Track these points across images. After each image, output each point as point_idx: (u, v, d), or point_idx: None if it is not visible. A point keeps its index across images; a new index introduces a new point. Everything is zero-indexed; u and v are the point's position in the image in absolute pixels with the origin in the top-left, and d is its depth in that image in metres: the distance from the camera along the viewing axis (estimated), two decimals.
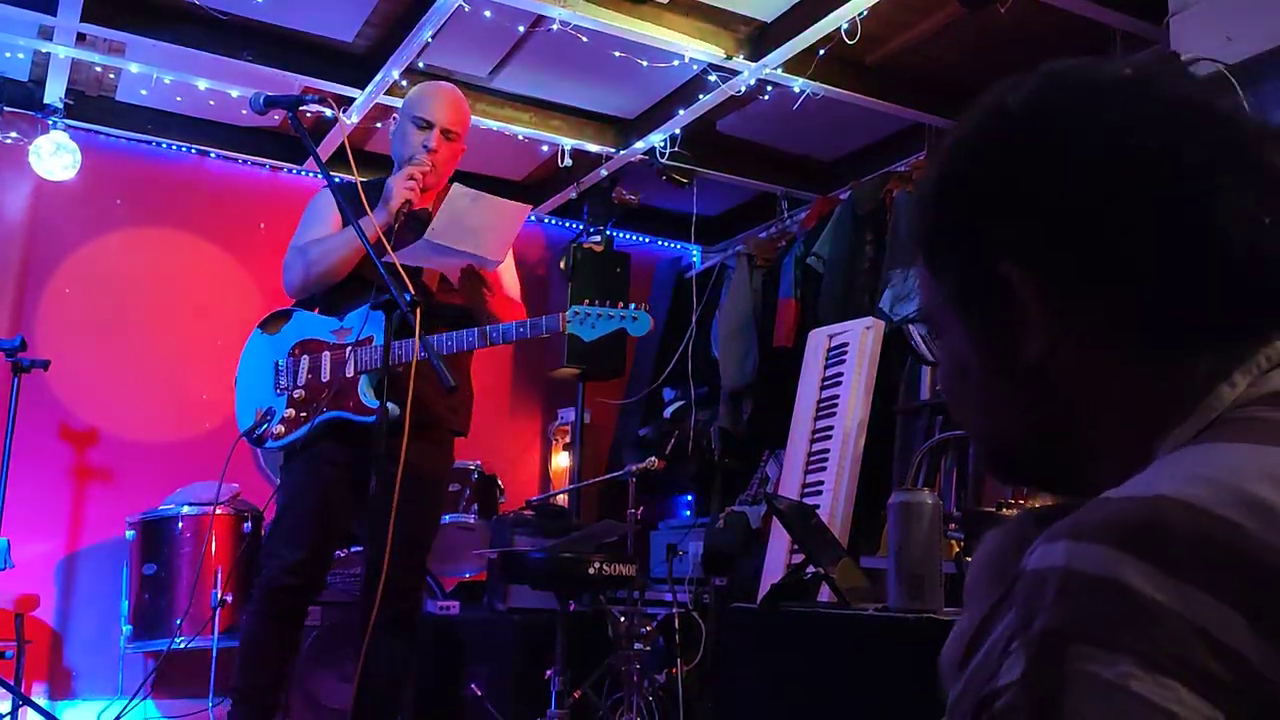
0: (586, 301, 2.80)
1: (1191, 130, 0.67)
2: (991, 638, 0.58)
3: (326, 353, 2.82)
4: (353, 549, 3.96)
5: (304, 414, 2.80)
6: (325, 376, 2.81)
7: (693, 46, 3.92)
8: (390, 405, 2.70)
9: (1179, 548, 0.53)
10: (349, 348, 2.79)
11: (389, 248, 2.61)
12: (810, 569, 2.23)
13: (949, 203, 0.73)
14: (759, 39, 3.99)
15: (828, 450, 4.00)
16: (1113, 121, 0.67)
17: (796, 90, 4.17)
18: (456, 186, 2.75)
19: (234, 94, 4.43)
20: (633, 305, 2.82)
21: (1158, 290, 0.65)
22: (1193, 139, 0.66)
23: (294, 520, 2.77)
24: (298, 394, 2.82)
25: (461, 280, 2.82)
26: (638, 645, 3.34)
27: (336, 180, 2.69)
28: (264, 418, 2.81)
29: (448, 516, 4.27)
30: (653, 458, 3.75)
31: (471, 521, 4.29)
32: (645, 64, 4.04)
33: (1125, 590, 0.52)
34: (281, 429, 2.81)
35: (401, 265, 2.47)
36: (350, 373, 2.77)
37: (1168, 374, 0.66)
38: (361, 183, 2.76)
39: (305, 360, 2.84)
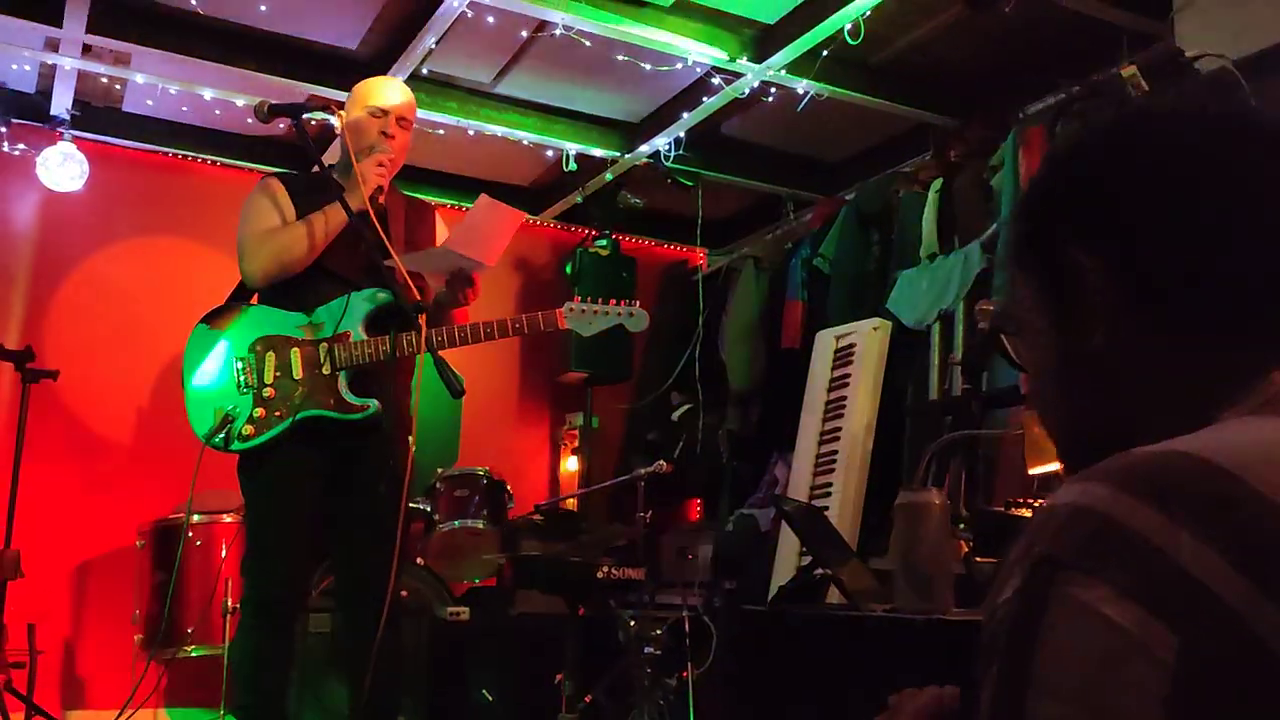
0: (577, 299, 2.84)
1: (1246, 142, 0.74)
2: (1005, 566, 0.64)
3: (295, 349, 2.73)
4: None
5: (278, 413, 2.69)
6: (298, 374, 2.72)
7: (696, 49, 3.92)
8: (374, 402, 2.71)
9: (1177, 492, 0.59)
10: (323, 343, 2.72)
11: (392, 250, 2.62)
12: (819, 570, 2.23)
13: (1040, 205, 0.81)
14: (762, 41, 3.99)
15: (836, 452, 3.99)
16: (1176, 135, 0.76)
17: (800, 92, 4.17)
18: (483, 197, 2.75)
19: (240, 103, 4.44)
20: (621, 302, 2.88)
21: (1216, 286, 0.71)
22: (1248, 151, 0.73)
23: (277, 532, 2.71)
24: (267, 392, 2.71)
25: (448, 282, 2.80)
26: (648, 649, 3.34)
27: (290, 173, 2.70)
28: (226, 419, 2.68)
29: (457, 521, 4.27)
30: (661, 461, 3.74)
31: (480, 526, 4.29)
32: (648, 67, 4.04)
33: (1118, 526, 0.59)
34: (250, 429, 2.68)
35: (384, 264, 2.48)
36: (328, 369, 2.71)
37: (1224, 364, 0.71)
38: (296, 175, 2.74)
39: (272, 357, 2.74)
